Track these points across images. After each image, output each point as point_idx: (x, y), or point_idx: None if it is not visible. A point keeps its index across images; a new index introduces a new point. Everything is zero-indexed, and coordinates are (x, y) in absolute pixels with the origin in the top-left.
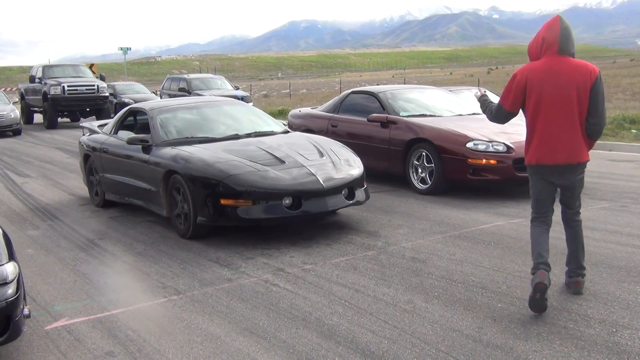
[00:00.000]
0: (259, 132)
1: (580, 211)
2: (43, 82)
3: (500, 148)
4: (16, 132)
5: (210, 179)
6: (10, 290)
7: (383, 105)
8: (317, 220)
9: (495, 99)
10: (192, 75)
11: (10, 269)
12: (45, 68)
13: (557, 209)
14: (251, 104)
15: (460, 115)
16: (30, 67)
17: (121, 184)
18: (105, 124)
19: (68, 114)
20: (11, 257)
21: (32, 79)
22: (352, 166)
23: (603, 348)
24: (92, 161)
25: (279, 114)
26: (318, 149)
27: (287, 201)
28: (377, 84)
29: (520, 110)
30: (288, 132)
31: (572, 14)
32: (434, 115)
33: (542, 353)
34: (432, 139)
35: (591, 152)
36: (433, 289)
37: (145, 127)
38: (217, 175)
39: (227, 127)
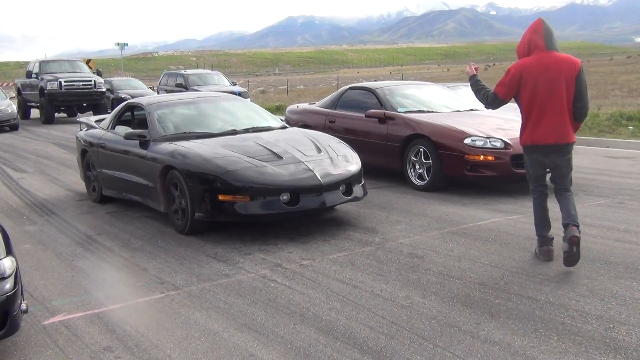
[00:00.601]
0: (257, 127)
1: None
2: (40, 78)
3: (498, 144)
4: (13, 128)
5: (208, 175)
6: (8, 285)
7: (381, 101)
8: (315, 216)
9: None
10: (189, 71)
11: (7, 263)
12: (42, 63)
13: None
14: (248, 99)
15: (458, 111)
16: (27, 63)
17: (118, 179)
18: (103, 119)
19: (65, 109)
20: (9, 251)
21: (28, 74)
22: (349, 162)
23: (600, 344)
24: (90, 156)
25: (276, 110)
26: (316, 145)
27: (284, 197)
28: (375, 80)
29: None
30: (286, 127)
31: (569, 10)
32: (432, 111)
33: (540, 349)
34: (429, 135)
35: (588, 149)
36: (431, 285)
37: (142, 123)
38: (214, 171)
39: (224, 122)
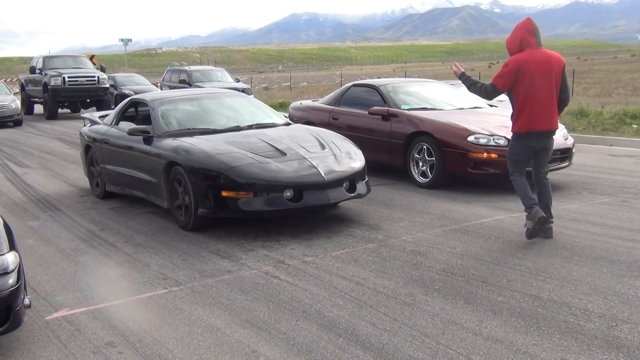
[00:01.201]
0: (260, 124)
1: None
2: (43, 73)
3: (502, 142)
4: (17, 123)
5: (212, 171)
6: (11, 280)
7: (384, 98)
8: (318, 213)
9: None
10: (192, 67)
11: (11, 258)
12: (46, 59)
13: (560, 208)
14: (252, 96)
15: (462, 108)
16: (31, 58)
17: (122, 175)
18: (106, 115)
19: (68, 105)
20: (12, 247)
21: (32, 70)
22: (353, 159)
23: (603, 342)
24: (93, 152)
25: (280, 107)
26: (319, 141)
27: (288, 193)
28: (378, 77)
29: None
30: (289, 124)
31: (573, 8)
32: (435, 109)
33: (542, 347)
34: (433, 133)
35: (592, 148)
36: (433, 282)
37: (146, 119)
38: (218, 167)
39: (228, 118)
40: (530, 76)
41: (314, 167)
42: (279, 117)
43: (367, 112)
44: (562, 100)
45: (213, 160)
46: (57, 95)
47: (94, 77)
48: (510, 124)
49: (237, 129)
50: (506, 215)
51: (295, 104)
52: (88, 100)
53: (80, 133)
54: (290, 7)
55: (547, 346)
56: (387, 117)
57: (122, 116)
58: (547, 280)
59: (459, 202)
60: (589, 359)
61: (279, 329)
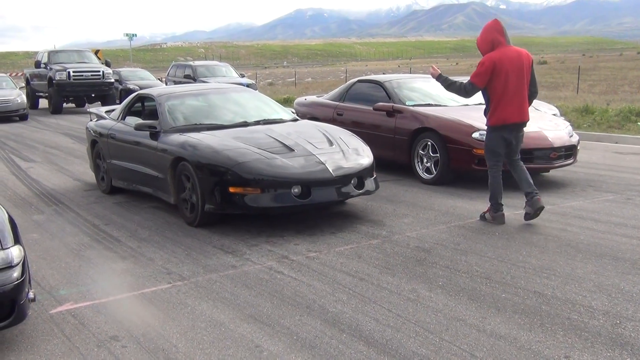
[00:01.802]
0: (268, 119)
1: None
2: (48, 68)
3: None
4: (22, 117)
5: (219, 167)
6: (16, 273)
7: (389, 94)
8: (323, 208)
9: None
10: (197, 63)
11: (15, 252)
12: (51, 53)
13: (568, 207)
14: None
15: (466, 105)
16: (36, 53)
17: (128, 170)
18: (113, 110)
19: (73, 100)
20: (17, 240)
21: (37, 64)
22: (361, 155)
23: (606, 339)
24: (100, 147)
25: (284, 102)
26: (327, 138)
27: (296, 190)
28: (383, 73)
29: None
30: (297, 120)
31: (579, 5)
32: (440, 105)
33: (546, 343)
34: (437, 129)
35: (597, 145)
36: (437, 279)
37: (153, 114)
38: (225, 163)
39: (235, 114)
40: (505, 73)
41: (322, 163)
42: (286, 113)
43: (371, 108)
44: (532, 93)
45: (220, 156)
46: (62, 90)
47: (99, 71)
48: None
49: (245, 124)
50: (510, 212)
51: (300, 99)
52: (93, 95)
53: (87, 128)
54: (295, 3)
55: (551, 343)
56: (391, 113)
57: (129, 111)
58: (551, 277)
59: (463, 198)
60: (593, 357)
61: (283, 324)
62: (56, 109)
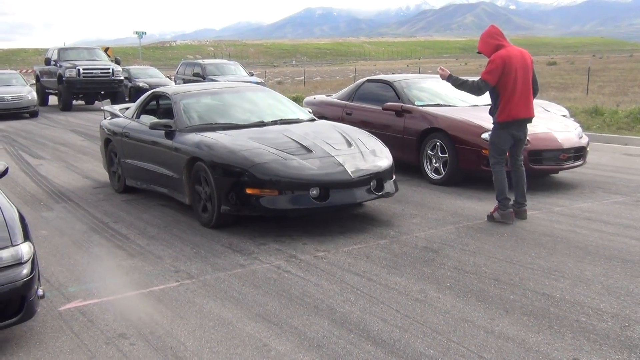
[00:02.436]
0: (285, 119)
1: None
2: (58, 65)
3: None
4: (33, 114)
5: (235, 167)
6: (25, 270)
7: (398, 94)
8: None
9: None
10: (206, 61)
11: (25, 249)
12: (61, 51)
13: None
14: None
15: (475, 105)
16: (46, 50)
17: (143, 170)
18: (127, 108)
19: (83, 97)
20: (26, 237)
21: (47, 62)
22: (380, 157)
23: (615, 342)
24: (113, 146)
25: (293, 101)
26: (346, 139)
27: (314, 192)
28: (392, 73)
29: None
30: (314, 120)
31: (589, 6)
32: (449, 105)
33: (554, 346)
34: (446, 129)
35: (607, 146)
36: (445, 279)
37: (168, 112)
38: (241, 164)
39: (251, 113)
40: (514, 70)
41: (341, 164)
42: (303, 113)
43: (380, 108)
44: (535, 90)
45: (236, 157)
46: (72, 87)
47: (109, 69)
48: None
49: (261, 124)
50: None
51: (309, 98)
52: (102, 93)
53: (100, 126)
54: (305, 2)
55: (559, 345)
56: (400, 113)
57: (144, 109)
58: (559, 279)
59: (471, 199)
60: (601, 359)
61: (290, 323)
62: (66, 106)
